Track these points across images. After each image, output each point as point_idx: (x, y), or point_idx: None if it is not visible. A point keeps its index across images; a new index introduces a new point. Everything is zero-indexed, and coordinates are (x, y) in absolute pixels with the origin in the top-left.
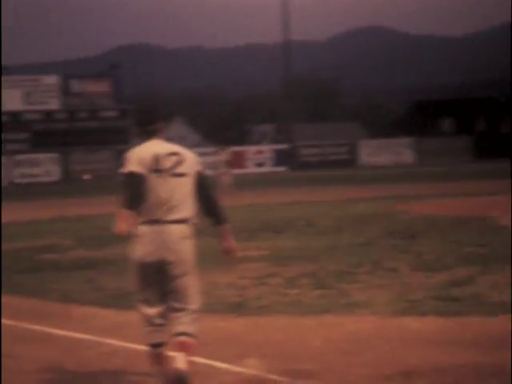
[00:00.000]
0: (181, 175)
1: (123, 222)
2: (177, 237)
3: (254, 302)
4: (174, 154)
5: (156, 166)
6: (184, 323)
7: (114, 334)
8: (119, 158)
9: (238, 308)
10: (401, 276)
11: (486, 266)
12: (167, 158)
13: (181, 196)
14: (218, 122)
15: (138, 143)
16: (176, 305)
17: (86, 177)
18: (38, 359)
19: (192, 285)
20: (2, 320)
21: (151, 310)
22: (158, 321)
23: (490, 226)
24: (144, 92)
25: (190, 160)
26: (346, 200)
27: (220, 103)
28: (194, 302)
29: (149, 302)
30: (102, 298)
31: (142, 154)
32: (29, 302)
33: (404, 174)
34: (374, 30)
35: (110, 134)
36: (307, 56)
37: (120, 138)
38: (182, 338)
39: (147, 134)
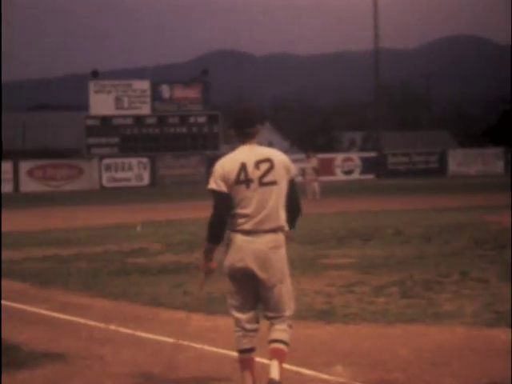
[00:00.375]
0: (271, 183)
1: (207, 259)
2: (269, 247)
3: (341, 309)
4: (264, 160)
5: (244, 177)
6: (279, 330)
7: (202, 339)
8: (207, 164)
9: (325, 315)
10: (489, 287)
11: None
12: (256, 167)
13: (272, 205)
14: (307, 128)
15: (232, 147)
16: (270, 314)
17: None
18: (126, 362)
19: (286, 292)
20: (92, 322)
21: (242, 316)
22: (249, 326)
23: None
24: (233, 98)
25: (281, 166)
26: (434, 209)
27: (309, 110)
28: (289, 308)
29: (240, 308)
30: (190, 302)
31: (229, 165)
32: (118, 305)
33: (493, 183)
34: (464, 38)
35: (198, 140)
36: (396, 64)
37: (208, 144)
38: (277, 346)
39: (244, 137)
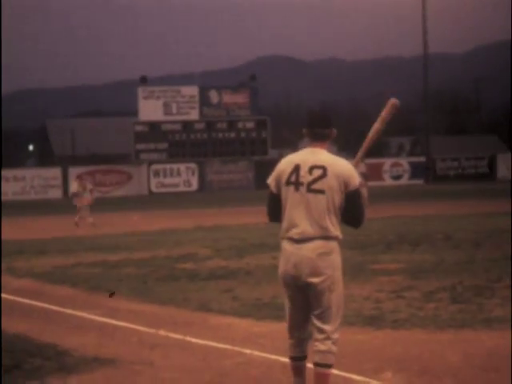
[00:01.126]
0: (318, 191)
1: None
2: (317, 253)
3: (390, 315)
4: (319, 167)
5: (295, 179)
6: (323, 352)
7: (251, 344)
8: (255, 169)
9: (374, 321)
10: None
11: None
12: (310, 171)
13: (319, 213)
14: (355, 133)
15: (281, 152)
16: (318, 323)
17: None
18: (176, 367)
19: (335, 303)
20: (141, 327)
21: (294, 324)
22: (299, 335)
23: None
24: (281, 104)
25: (335, 176)
26: (483, 214)
27: (357, 115)
28: (334, 321)
29: (292, 316)
30: (239, 307)
31: (286, 164)
32: (167, 311)
33: None
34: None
35: (246, 145)
36: (445, 68)
37: (257, 149)
38: (321, 370)
39: (314, 137)
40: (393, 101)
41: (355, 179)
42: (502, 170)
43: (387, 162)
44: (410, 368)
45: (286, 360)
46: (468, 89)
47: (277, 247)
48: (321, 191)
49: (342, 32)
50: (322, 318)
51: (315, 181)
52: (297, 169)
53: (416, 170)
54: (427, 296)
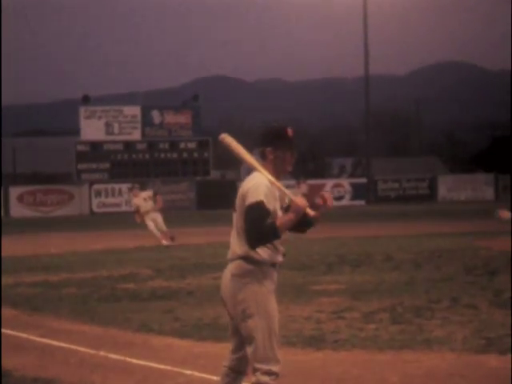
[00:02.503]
0: (235, 210)
1: None
2: (232, 274)
3: (331, 335)
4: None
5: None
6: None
7: (192, 365)
8: (197, 189)
9: (315, 342)
10: (480, 313)
11: None
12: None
13: (233, 233)
14: (298, 154)
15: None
16: (248, 350)
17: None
18: None
19: (259, 336)
20: (82, 348)
21: (229, 350)
22: (227, 362)
23: None
24: (222, 124)
25: (240, 194)
26: (424, 235)
27: (299, 136)
28: (262, 351)
29: (229, 338)
30: (180, 328)
31: None
32: (108, 331)
33: (483, 209)
34: (455, 65)
35: (188, 165)
36: (387, 90)
37: (199, 169)
38: None
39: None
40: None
41: (252, 197)
42: (442, 191)
43: (329, 183)
44: None
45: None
46: (409, 110)
47: (218, 267)
48: (235, 210)
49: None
50: (249, 346)
51: (236, 200)
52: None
53: (357, 191)
54: (367, 317)
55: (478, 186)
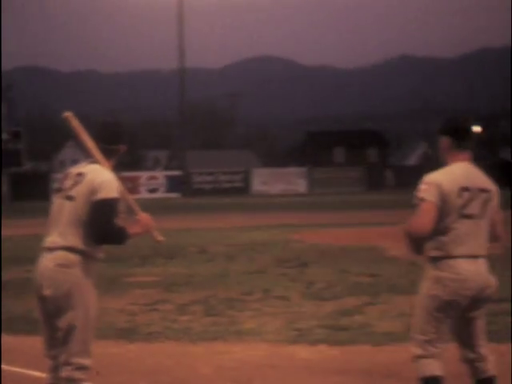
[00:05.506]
0: (70, 198)
1: None
2: (56, 263)
3: (144, 328)
4: (79, 174)
5: (58, 185)
6: (64, 378)
7: (2, 359)
8: (9, 181)
9: (128, 334)
10: (291, 304)
11: (374, 295)
12: (73, 178)
13: (65, 221)
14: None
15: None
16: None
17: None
18: None
19: (75, 323)
20: None
21: (44, 341)
22: (54, 354)
23: (379, 256)
24: (37, 115)
25: (87, 184)
26: (237, 227)
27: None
28: (77, 344)
29: (42, 332)
30: None
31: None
32: None
33: (296, 203)
34: (270, 59)
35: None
36: (203, 83)
37: (11, 161)
38: None
39: (105, 153)
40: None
41: (106, 192)
42: (256, 185)
43: (143, 176)
44: (163, 380)
45: (39, 374)
46: (225, 104)
47: (31, 260)
48: (71, 198)
49: (103, 43)
50: (63, 338)
51: (73, 187)
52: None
53: (172, 184)
54: (181, 309)
55: (292, 180)
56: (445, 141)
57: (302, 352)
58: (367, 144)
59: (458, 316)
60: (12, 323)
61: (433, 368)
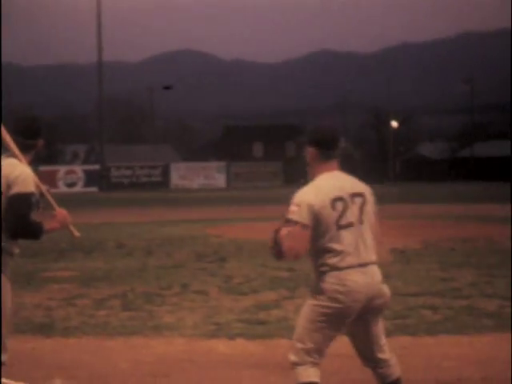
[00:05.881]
0: None
1: None
2: None
3: (61, 322)
4: None
5: None
6: None
7: None
8: None
9: (45, 329)
10: (209, 299)
11: (292, 290)
12: None
13: None
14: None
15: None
16: None
17: None
18: None
19: None
20: None
21: None
22: None
23: None
24: None
25: (2, 178)
26: (156, 222)
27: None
28: None
29: None
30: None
31: None
32: None
33: (215, 197)
34: (188, 53)
35: None
36: (121, 77)
37: None
38: None
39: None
40: None
41: (22, 186)
42: (175, 179)
43: (61, 170)
44: (80, 375)
45: None
46: (142, 97)
47: None
48: None
49: (20, 37)
50: None
51: None
52: None
53: (90, 178)
54: (98, 303)
55: (210, 174)
56: (312, 151)
57: (221, 346)
58: (286, 138)
59: (351, 325)
60: None
61: (309, 374)
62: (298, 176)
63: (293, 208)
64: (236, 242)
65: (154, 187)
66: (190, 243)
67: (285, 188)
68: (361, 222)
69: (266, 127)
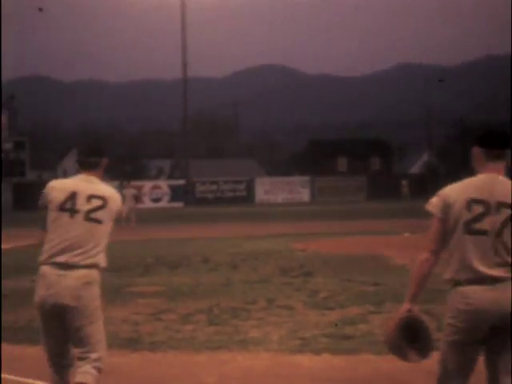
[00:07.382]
0: (97, 221)
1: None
2: (82, 282)
3: (148, 337)
4: (98, 197)
5: (71, 206)
6: (82, 372)
7: (7, 368)
8: (13, 191)
9: (132, 343)
10: (295, 314)
11: (378, 304)
12: (88, 200)
13: (93, 241)
14: (115, 156)
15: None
16: (78, 352)
17: None
18: None
19: (96, 333)
20: None
21: (51, 350)
22: (63, 362)
23: (383, 265)
24: (40, 125)
25: (114, 207)
26: (241, 237)
27: (117, 137)
28: (97, 349)
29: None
30: None
31: (58, 190)
32: None
33: (300, 212)
34: (273, 68)
35: (5, 166)
36: (205, 93)
37: (14, 170)
38: None
39: (85, 166)
40: None
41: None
42: (259, 194)
43: (147, 185)
44: None
45: (39, 383)
46: (227, 113)
47: (34, 270)
48: (99, 221)
49: (105, 52)
50: (82, 345)
51: (94, 210)
52: (73, 195)
53: (176, 193)
54: (185, 318)
55: (294, 188)
56: (475, 151)
57: (306, 361)
58: (370, 152)
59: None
60: (16, 333)
61: None
62: (382, 191)
63: (433, 199)
64: (321, 257)
65: (238, 202)
66: (275, 258)
67: (369, 203)
68: (498, 234)
69: (350, 141)
